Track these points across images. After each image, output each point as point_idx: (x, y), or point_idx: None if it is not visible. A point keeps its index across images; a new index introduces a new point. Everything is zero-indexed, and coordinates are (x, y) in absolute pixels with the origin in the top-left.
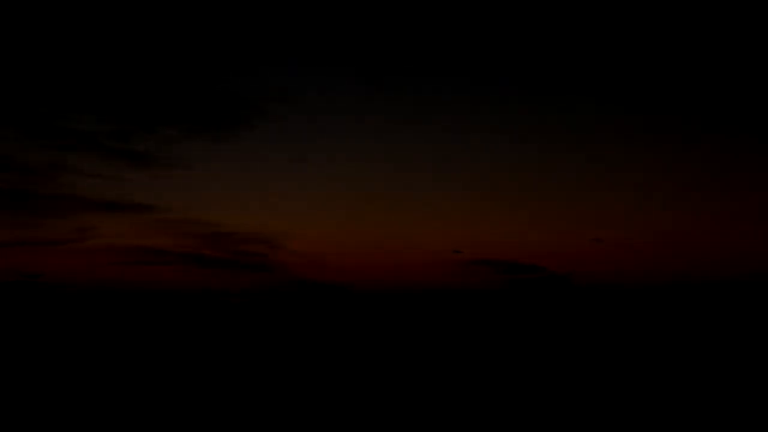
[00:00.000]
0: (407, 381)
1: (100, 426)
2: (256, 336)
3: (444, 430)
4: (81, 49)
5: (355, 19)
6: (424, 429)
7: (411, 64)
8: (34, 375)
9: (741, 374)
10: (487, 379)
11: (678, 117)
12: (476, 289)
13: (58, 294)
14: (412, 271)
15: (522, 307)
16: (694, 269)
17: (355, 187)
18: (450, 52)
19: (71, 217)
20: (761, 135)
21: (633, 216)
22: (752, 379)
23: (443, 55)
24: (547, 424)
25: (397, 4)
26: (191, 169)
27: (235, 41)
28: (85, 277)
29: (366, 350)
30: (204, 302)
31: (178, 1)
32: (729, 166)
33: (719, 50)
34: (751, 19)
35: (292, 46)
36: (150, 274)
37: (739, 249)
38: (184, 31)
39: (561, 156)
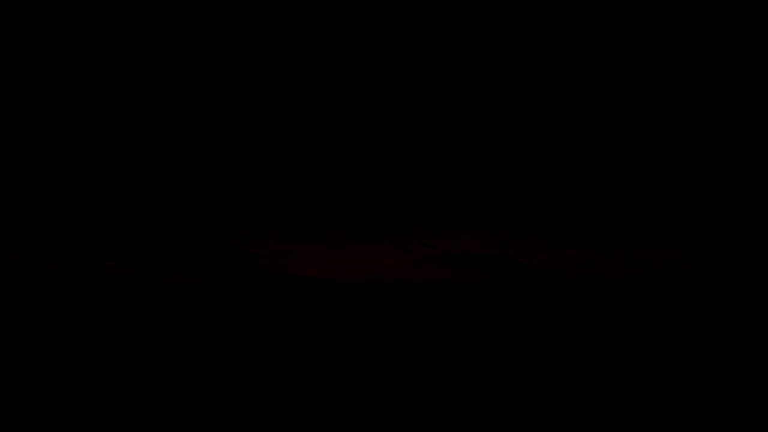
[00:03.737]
0: (396, 379)
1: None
2: (230, 332)
3: (436, 428)
4: None
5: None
6: (414, 428)
7: None
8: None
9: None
10: (481, 378)
11: None
12: (459, 285)
13: None
14: (385, 268)
15: (509, 304)
16: None
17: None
18: None
19: None
20: None
21: None
22: None
23: None
24: (545, 422)
25: None
26: None
27: None
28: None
29: (345, 347)
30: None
31: None
32: None
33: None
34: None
35: None
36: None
37: None
38: None
39: None
